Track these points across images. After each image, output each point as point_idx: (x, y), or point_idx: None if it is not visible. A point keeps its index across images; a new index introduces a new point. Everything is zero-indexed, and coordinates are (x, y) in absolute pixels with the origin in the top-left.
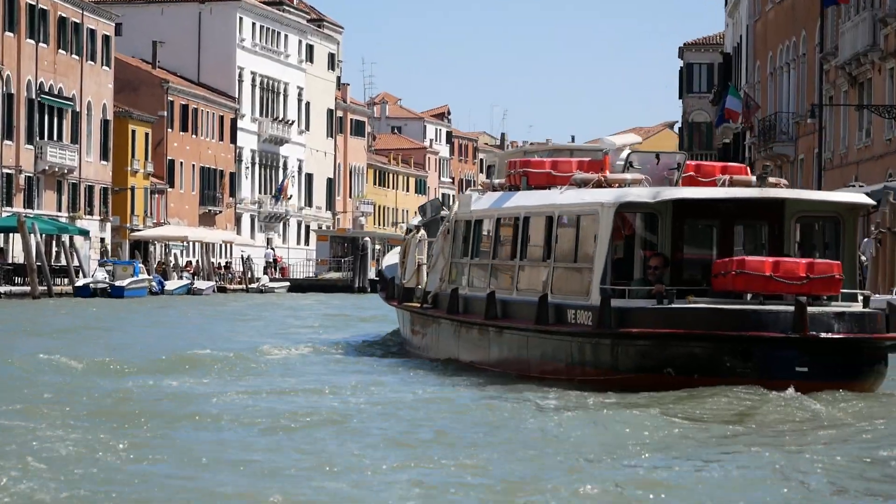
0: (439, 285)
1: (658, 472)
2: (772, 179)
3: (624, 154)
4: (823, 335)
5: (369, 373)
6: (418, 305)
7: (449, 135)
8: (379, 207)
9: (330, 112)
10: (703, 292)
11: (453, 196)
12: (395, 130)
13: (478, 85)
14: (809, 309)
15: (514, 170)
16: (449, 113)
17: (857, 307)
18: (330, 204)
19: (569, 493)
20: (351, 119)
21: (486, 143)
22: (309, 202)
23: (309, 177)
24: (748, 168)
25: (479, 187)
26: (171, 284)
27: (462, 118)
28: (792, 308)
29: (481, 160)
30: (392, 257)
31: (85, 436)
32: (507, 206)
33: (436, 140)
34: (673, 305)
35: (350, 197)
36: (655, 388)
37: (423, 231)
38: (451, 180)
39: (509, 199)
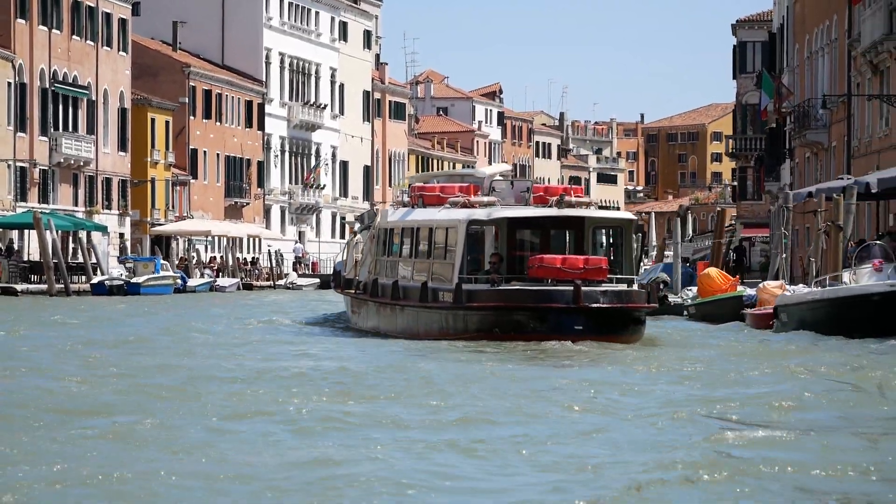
0: (367, 276)
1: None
2: (576, 200)
3: (487, 182)
4: (592, 305)
5: (319, 342)
6: (353, 291)
7: (501, 115)
8: None
9: (366, 94)
10: (522, 279)
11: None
12: (441, 112)
13: (533, 60)
14: (584, 288)
15: (414, 192)
16: (501, 92)
17: (624, 287)
18: (367, 194)
19: (431, 405)
20: (390, 101)
21: (544, 124)
22: (344, 192)
23: (344, 164)
24: (582, 189)
25: (393, 204)
26: (193, 281)
27: (518, 96)
28: (572, 288)
29: (538, 143)
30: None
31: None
32: (407, 219)
33: (486, 122)
34: (500, 287)
35: (390, 186)
36: (489, 342)
37: (359, 235)
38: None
39: (409, 214)
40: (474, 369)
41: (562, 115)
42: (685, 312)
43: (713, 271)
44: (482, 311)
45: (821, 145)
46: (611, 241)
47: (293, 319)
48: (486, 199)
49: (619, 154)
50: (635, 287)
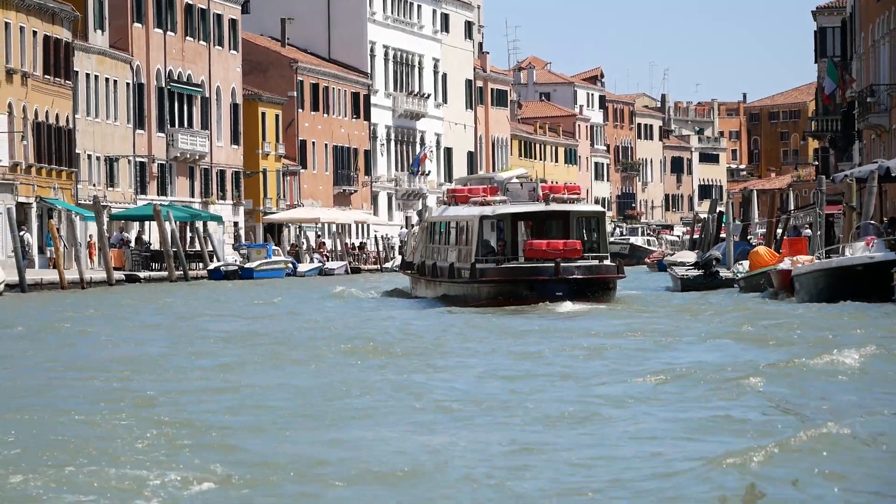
0: (419, 259)
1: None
2: (568, 197)
3: (503, 184)
4: (569, 276)
5: (389, 306)
6: (411, 271)
7: (602, 99)
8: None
9: (468, 83)
10: (519, 259)
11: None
12: (544, 97)
13: (634, 43)
14: (563, 264)
15: (450, 193)
16: (602, 76)
17: (596, 262)
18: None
19: (454, 346)
20: (492, 89)
21: (646, 107)
22: (448, 178)
23: (448, 151)
24: (579, 188)
25: (437, 203)
26: (303, 266)
27: (620, 79)
28: (553, 264)
29: (639, 125)
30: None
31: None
32: (443, 215)
33: (587, 105)
34: (502, 266)
35: (493, 170)
36: (497, 307)
37: (416, 227)
38: (605, 148)
39: (445, 211)
40: (485, 322)
41: (663, 96)
42: (735, 285)
43: (762, 249)
44: (490, 283)
45: (883, 128)
46: (592, 227)
47: (377, 291)
48: (498, 198)
49: (721, 133)
50: (606, 262)
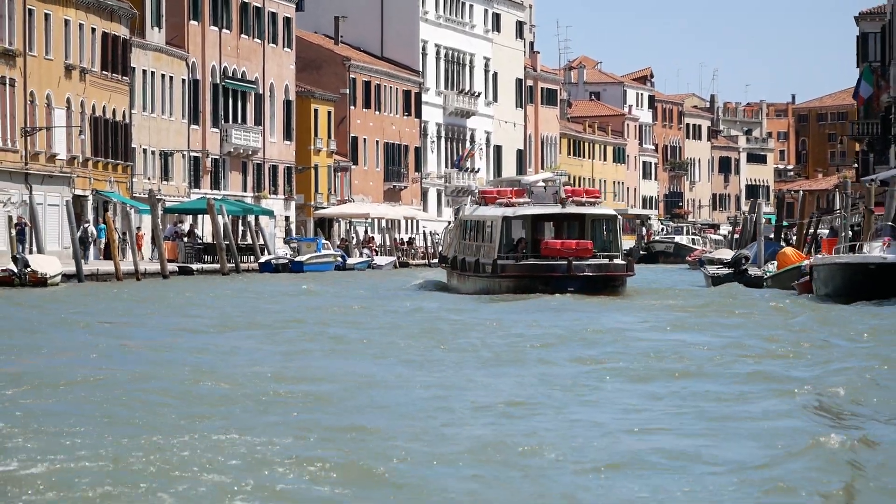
0: (454, 255)
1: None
2: (586, 200)
3: (530, 187)
4: (580, 273)
5: (429, 298)
6: (447, 265)
7: (651, 99)
8: (575, 178)
9: (519, 82)
10: (537, 256)
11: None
12: (594, 96)
13: (684, 44)
14: (575, 262)
15: (481, 194)
16: (652, 76)
17: (606, 261)
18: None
19: (479, 328)
20: (542, 88)
21: (695, 107)
22: (498, 175)
23: (498, 149)
24: (599, 192)
25: (471, 203)
26: (352, 260)
27: (670, 79)
28: (566, 262)
29: (688, 125)
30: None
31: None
32: (473, 215)
33: (636, 105)
34: (521, 262)
35: (542, 168)
36: (511, 297)
37: (451, 224)
38: (653, 147)
39: (476, 211)
40: (502, 312)
41: (712, 97)
42: (764, 283)
43: (789, 249)
44: (510, 278)
45: None
46: (606, 229)
47: (418, 284)
48: (522, 200)
49: (769, 134)
50: (617, 261)
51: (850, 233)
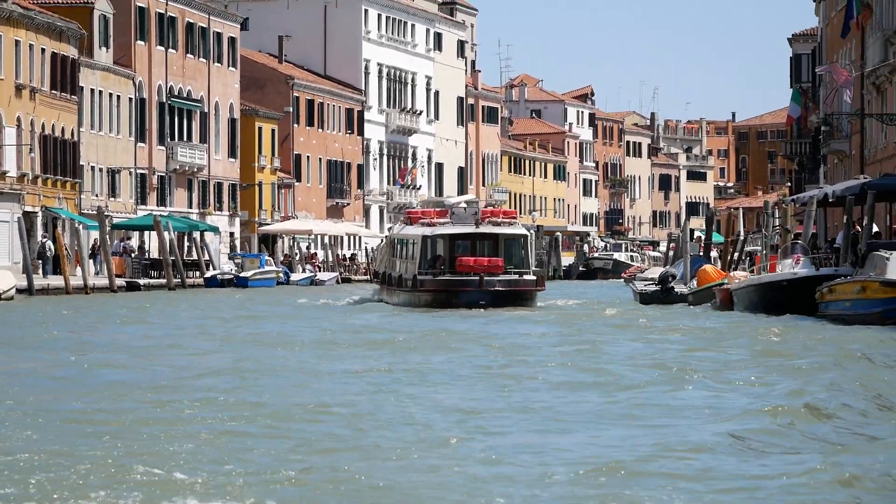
0: (384, 271)
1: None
2: (501, 220)
3: (450, 208)
4: (490, 288)
5: (360, 309)
6: (378, 280)
7: (592, 117)
8: (515, 195)
9: (460, 100)
10: (453, 272)
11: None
12: (535, 114)
13: (625, 62)
14: (487, 278)
15: (407, 214)
16: (592, 94)
17: (516, 277)
18: (461, 193)
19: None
20: (483, 106)
21: (635, 124)
22: (439, 192)
23: (439, 166)
24: (516, 212)
25: (401, 222)
26: (295, 276)
27: (610, 97)
28: (478, 278)
29: (628, 142)
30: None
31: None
32: (400, 233)
33: (577, 123)
34: (438, 278)
35: (483, 185)
36: (432, 310)
37: (384, 241)
38: (594, 164)
39: (402, 230)
40: (422, 322)
41: (653, 115)
42: (687, 300)
43: (709, 267)
44: (428, 292)
45: (844, 153)
46: (519, 247)
47: (352, 299)
48: (442, 220)
49: (709, 152)
50: (527, 277)
51: (769, 251)
